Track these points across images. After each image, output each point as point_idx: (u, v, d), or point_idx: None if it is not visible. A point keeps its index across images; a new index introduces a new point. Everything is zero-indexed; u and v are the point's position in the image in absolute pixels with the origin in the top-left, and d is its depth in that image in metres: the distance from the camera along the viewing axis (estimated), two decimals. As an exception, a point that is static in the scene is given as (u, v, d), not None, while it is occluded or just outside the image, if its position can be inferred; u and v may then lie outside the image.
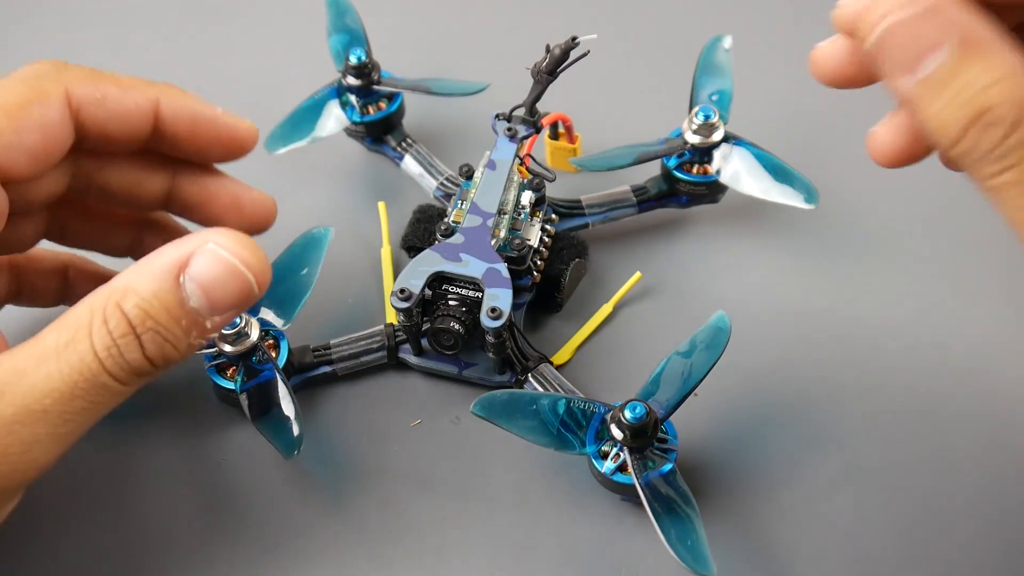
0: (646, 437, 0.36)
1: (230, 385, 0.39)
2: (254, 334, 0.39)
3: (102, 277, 0.40)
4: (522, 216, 0.42)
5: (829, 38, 0.31)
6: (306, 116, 0.47)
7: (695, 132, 0.44)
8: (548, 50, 0.41)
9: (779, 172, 0.44)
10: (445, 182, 0.47)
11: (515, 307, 0.41)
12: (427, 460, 0.40)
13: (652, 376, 0.37)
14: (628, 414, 0.35)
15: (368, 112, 0.47)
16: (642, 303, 0.45)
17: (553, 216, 0.44)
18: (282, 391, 0.38)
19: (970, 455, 0.40)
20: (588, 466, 0.38)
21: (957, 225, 0.47)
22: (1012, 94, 0.26)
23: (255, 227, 0.40)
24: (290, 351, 0.41)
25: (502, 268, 0.39)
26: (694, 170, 0.45)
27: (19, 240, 0.39)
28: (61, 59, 0.37)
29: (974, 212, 0.48)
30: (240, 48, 0.56)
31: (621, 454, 0.36)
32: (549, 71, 0.41)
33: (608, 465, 0.36)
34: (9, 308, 0.41)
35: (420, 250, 0.40)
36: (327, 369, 0.42)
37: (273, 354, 0.40)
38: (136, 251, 0.42)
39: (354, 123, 0.47)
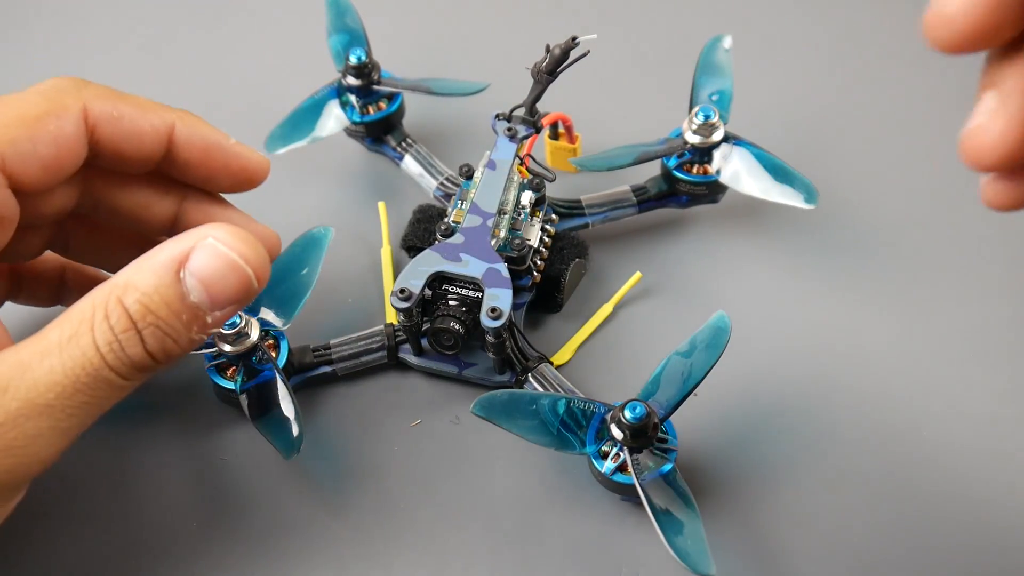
0: (646, 437, 0.36)
1: (230, 385, 0.39)
2: (254, 334, 0.39)
3: (98, 280, 0.40)
4: (522, 216, 0.42)
5: None
6: (306, 116, 0.47)
7: (695, 132, 0.44)
8: (548, 50, 0.41)
9: (779, 172, 0.44)
10: (445, 182, 0.47)
11: (515, 307, 0.41)
12: (427, 460, 0.40)
13: (652, 376, 0.37)
14: (628, 414, 0.35)
15: (368, 112, 0.47)
16: (642, 303, 0.45)
17: (553, 216, 0.44)
18: (282, 391, 0.38)
19: (970, 455, 0.40)
20: (588, 466, 0.38)
21: (957, 225, 0.47)
22: None
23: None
24: (290, 351, 0.41)
25: (502, 268, 0.39)
26: (694, 170, 0.45)
27: (24, 250, 0.39)
28: (60, 59, 0.37)
29: (974, 212, 0.48)
30: (240, 48, 0.56)
31: (621, 454, 0.36)
32: (549, 71, 0.41)
33: (608, 465, 0.36)
34: (10, 306, 0.41)
35: (420, 250, 0.40)
36: (327, 369, 0.42)
37: (273, 354, 0.40)
38: None
39: (354, 123, 0.47)
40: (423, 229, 0.45)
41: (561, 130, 0.47)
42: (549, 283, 0.43)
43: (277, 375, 0.39)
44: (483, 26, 0.57)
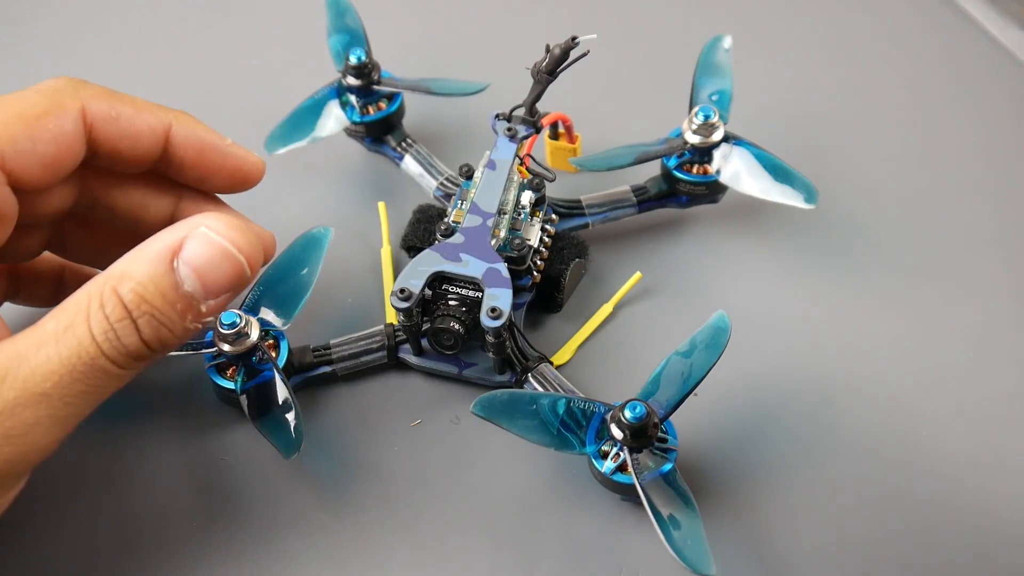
0: (646, 437, 0.36)
1: (230, 385, 0.39)
2: (254, 334, 0.39)
3: None
4: (522, 216, 0.42)
5: None
6: (306, 116, 0.47)
7: (695, 132, 0.44)
8: (548, 50, 0.41)
9: (779, 172, 0.44)
10: (445, 182, 0.47)
11: (515, 307, 0.41)
12: (427, 460, 0.40)
13: (652, 376, 0.37)
14: (628, 414, 0.35)
15: (368, 112, 0.47)
16: (642, 303, 0.45)
17: (553, 216, 0.44)
18: (282, 391, 0.38)
19: (970, 455, 0.40)
20: (588, 466, 0.38)
21: (957, 225, 0.47)
22: None
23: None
24: (290, 351, 0.41)
25: (502, 268, 0.39)
26: (694, 170, 0.45)
27: (23, 250, 0.39)
28: (60, 58, 0.37)
29: (974, 212, 0.48)
30: (240, 48, 0.56)
31: (621, 454, 0.36)
32: (549, 71, 0.41)
33: (608, 465, 0.36)
34: (8, 305, 0.41)
35: (420, 250, 0.40)
36: (327, 369, 0.42)
37: (273, 354, 0.40)
38: None
39: (354, 123, 0.47)
40: (423, 229, 0.45)
41: (561, 130, 0.47)
42: (549, 283, 0.43)
43: (277, 375, 0.39)
44: (483, 26, 0.57)
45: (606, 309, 0.44)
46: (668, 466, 0.36)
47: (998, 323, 0.44)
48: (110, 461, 0.40)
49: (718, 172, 0.44)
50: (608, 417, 0.37)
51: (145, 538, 0.38)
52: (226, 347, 0.38)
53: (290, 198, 0.49)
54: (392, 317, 0.43)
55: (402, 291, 0.39)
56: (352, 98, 0.47)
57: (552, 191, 0.44)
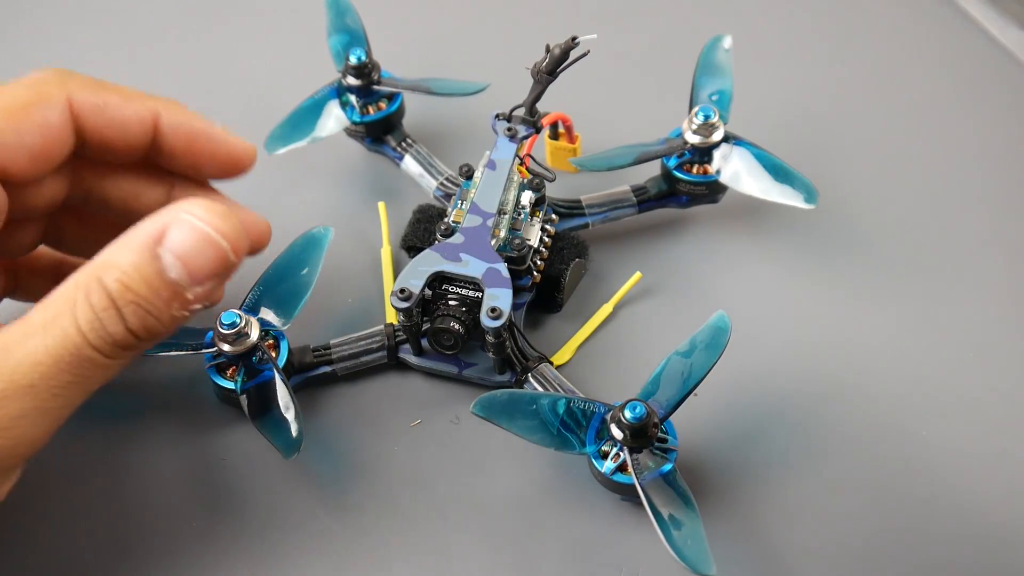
0: (646, 437, 0.36)
1: (230, 385, 0.39)
2: (254, 334, 0.39)
3: None
4: (522, 216, 0.42)
5: None
6: (306, 116, 0.47)
7: (695, 132, 0.44)
8: (548, 50, 0.41)
9: (779, 172, 0.44)
10: (445, 182, 0.47)
11: (515, 307, 0.41)
12: (427, 460, 0.40)
13: (652, 376, 0.37)
14: (628, 414, 0.35)
15: (368, 112, 0.47)
16: (642, 303, 0.45)
17: (553, 216, 0.44)
18: (282, 391, 0.38)
19: (970, 455, 0.40)
20: (588, 466, 0.38)
21: (957, 224, 0.47)
22: None
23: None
24: (290, 351, 0.41)
25: (502, 268, 0.39)
26: (694, 170, 0.45)
27: (17, 245, 0.39)
28: (60, 58, 0.37)
29: (973, 211, 0.48)
30: (240, 48, 0.56)
31: (621, 454, 0.36)
32: (549, 71, 0.41)
33: (608, 465, 0.36)
34: (8, 302, 0.41)
35: (420, 250, 0.40)
36: (327, 369, 0.42)
37: (273, 354, 0.40)
38: None
39: (354, 123, 0.47)
40: (423, 229, 0.45)
41: (561, 130, 0.47)
42: (549, 283, 0.43)
43: (277, 375, 0.39)
44: (483, 26, 0.57)
45: (606, 309, 0.44)
46: (668, 466, 0.36)
47: (998, 322, 0.44)
48: (110, 461, 0.40)
49: (718, 172, 0.44)
50: (608, 417, 0.37)
51: (145, 538, 0.38)
52: (226, 347, 0.38)
53: (290, 198, 0.49)
54: (392, 317, 0.43)
55: (402, 291, 0.39)
56: (352, 98, 0.47)
57: (552, 191, 0.44)
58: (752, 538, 0.38)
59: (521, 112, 0.42)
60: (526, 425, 0.37)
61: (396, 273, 0.45)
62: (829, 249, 0.46)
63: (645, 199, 0.46)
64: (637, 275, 0.45)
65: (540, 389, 0.40)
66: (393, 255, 0.46)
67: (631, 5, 0.58)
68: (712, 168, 0.45)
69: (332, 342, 0.42)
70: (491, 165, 0.42)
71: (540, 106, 0.42)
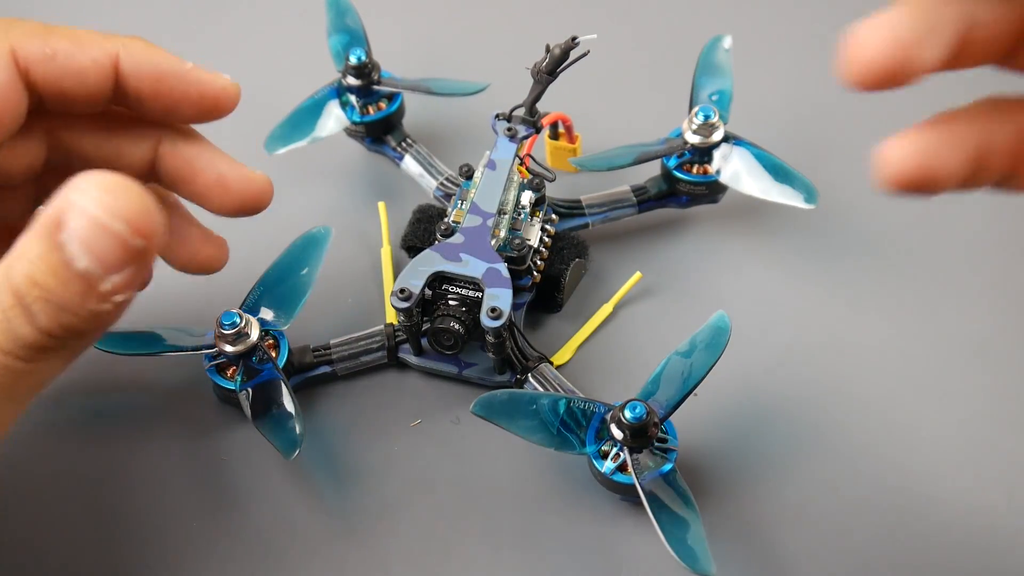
0: (646, 437, 0.36)
1: (230, 385, 0.39)
2: (254, 334, 0.39)
3: None
4: (522, 216, 0.42)
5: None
6: (306, 116, 0.47)
7: (695, 132, 0.44)
8: (548, 50, 0.41)
9: (779, 172, 0.44)
10: (445, 182, 0.47)
11: (515, 307, 0.41)
12: (427, 460, 0.40)
13: (652, 376, 0.37)
14: (628, 414, 0.35)
15: (368, 112, 0.47)
16: (642, 303, 0.45)
17: (553, 216, 0.44)
18: (282, 391, 0.38)
19: (969, 455, 0.40)
20: (588, 466, 0.38)
21: (957, 225, 0.47)
22: None
23: (245, 207, 0.38)
24: (290, 351, 0.41)
25: (502, 268, 0.39)
26: (694, 170, 0.45)
27: (8, 213, 0.37)
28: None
29: (973, 212, 0.48)
30: (240, 48, 0.56)
31: (621, 454, 0.36)
32: (549, 71, 0.41)
33: (608, 465, 0.36)
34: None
35: (420, 250, 0.40)
36: (327, 369, 0.42)
37: (273, 354, 0.40)
38: None
39: (354, 123, 0.47)
40: (423, 229, 0.45)
41: (561, 130, 0.47)
42: (549, 283, 0.43)
43: (277, 375, 0.39)
44: (483, 26, 0.57)
45: (606, 309, 0.44)
46: (668, 466, 0.36)
47: (998, 323, 0.44)
48: (109, 460, 0.40)
49: (718, 172, 0.44)
50: (608, 417, 0.37)
51: (144, 538, 0.38)
52: (226, 347, 0.38)
53: (290, 198, 0.49)
54: (392, 317, 0.43)
55: (402, 291, 0.39)
56: (352, 98, 0.47)
57: (552, 191, 0.44)
58: (752, 538, 0.38)
59: (521, 112, 0.42)
60: (526, 425, 0.37)
61: (396, 273, 0.45)
62: (829, 249, 0.46)
63: (645, 199, 0.46)
64: (637, 275, 0.45)
65: (540, 389, 0.40)
66: (393, 255, 0.46)
67: (631, 5, 0.58)
68: (712, 168, 0.45)
69: (332, 342, 0.42)
70: (491, 165, 0.42)
71: (540, 106, 0.42)
